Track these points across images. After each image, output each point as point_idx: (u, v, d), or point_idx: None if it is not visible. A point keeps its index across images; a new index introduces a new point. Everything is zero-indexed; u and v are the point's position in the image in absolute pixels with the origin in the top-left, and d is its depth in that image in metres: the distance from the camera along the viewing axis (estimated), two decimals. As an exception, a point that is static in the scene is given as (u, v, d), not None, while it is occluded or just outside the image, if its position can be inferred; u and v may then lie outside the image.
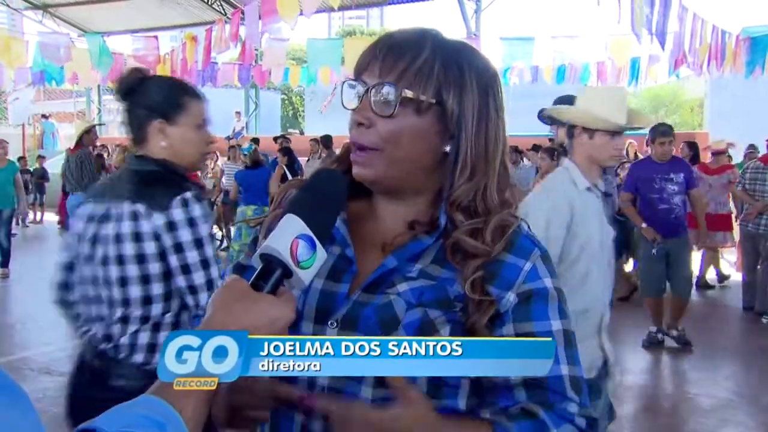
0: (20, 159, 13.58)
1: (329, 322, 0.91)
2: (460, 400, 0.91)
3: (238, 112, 17.90)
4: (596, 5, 7.61)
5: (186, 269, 1.63)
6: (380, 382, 0.87)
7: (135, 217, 1.62)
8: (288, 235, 0.79)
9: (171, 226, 1.61)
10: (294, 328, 0.91)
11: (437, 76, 0.90)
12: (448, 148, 0.94)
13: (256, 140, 9.45)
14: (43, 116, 20.40)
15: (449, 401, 0.90)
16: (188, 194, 1.64)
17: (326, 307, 0.92)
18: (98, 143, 12.24)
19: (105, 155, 10.69)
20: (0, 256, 7.96)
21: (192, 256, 1.63)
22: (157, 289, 1.64)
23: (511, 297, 0.91)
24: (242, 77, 13.88)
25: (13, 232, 11.53)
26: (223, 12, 14.20)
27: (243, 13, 8.71)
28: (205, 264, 1.64)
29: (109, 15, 16.01)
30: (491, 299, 0.89)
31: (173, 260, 1.62)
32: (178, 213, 1.62)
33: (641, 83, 12.94)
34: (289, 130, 24.69)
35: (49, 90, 24.79)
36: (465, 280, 0.89)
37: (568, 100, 4.02)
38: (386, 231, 0.97)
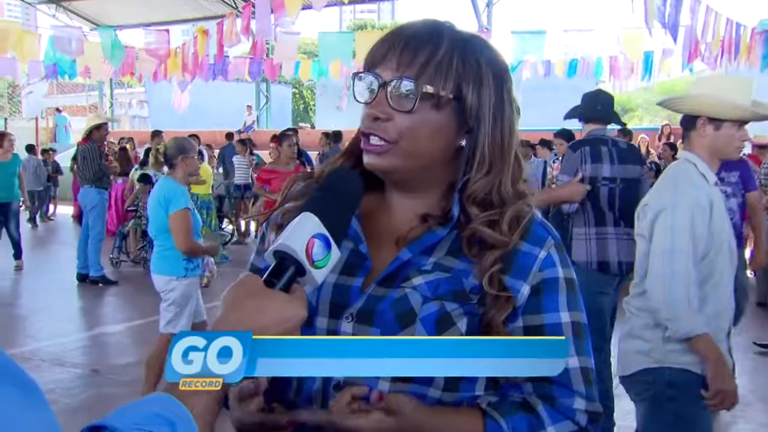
0: (45, 152, 13.67)
1: (344, 316, 0.90)
2: (477, 392, 0.91)
3: (249, 106, 17.93)
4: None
5: None
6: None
7: None
8: (304, 234, 0.78)
9: None
10: (308, 323, 0.91)
11: (456, 71, 0.89)
12: (463, 143, 0.93)
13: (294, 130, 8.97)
14: (57, 110, 20.52)
15: (466, 394, 0.90)
16: None
17: (341, 301, 0.92)
18: (114, 137, 12.36)
19: (128, 147, 10.72)
20: (12, 249, 8.03)
21: None
22: None
23: (525, 290, 0.91)
24: (253, 71, 13.88)
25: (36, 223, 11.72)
26: (234, 5, 14.21)
27: (254, 6, 8.70)
28: None
29: (121, 9, 16.07)
30: (508, 294, 0.89)
31: None
32: None
33: (654, 77, 12.81)
34: (300, 124, 24.73)
35: (61, 84, 24.95)
36: (483, 273, 0.89)
37: (595, 96, 3.81)
38: (399, 225, 0.96)
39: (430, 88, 0.88)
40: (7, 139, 8.05)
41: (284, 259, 0.78)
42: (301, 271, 0.78)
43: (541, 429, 0.87)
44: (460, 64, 0.89)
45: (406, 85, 0.87)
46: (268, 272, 0.79)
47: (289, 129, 7.83)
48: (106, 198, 7.46)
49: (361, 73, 0.92)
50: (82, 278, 7.24)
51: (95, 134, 7.23)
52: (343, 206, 0.87)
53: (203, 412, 0.68)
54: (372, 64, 0.92)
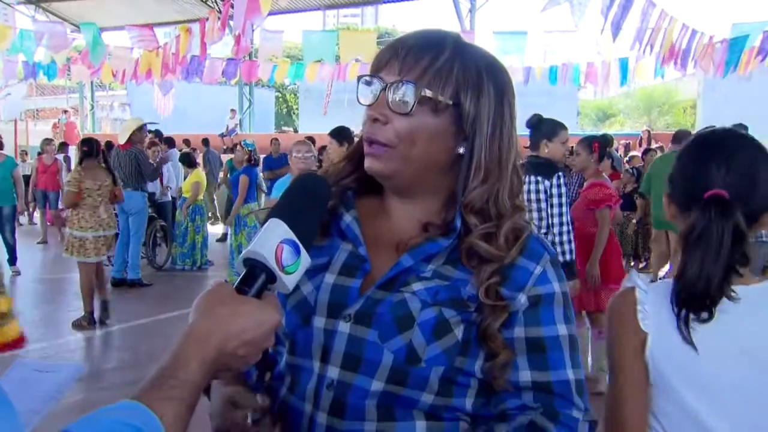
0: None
1: (343, 316, 0.91)
2: (468, 399, 0.92)
3: (233, 110, 17.82)
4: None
5: (556, 209, 3.53)
6: (392, 377, 0.88)
7: (537, 182, 3.53)
8: (273, 240, 0.79)
9: (553, 186, 3.53)
10: (306, 321, 0.93)
11: (456, 78, 0.91)
12: (462, 150, 0.94)
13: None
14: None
15: (457, 400, 0.91)
16: (560, 173, 3.58)
17: (339, 301, 0.93)
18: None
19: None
20: (7, 254, 7.82)
21: (558, 201, 3.53)
22: (548, 218, 3.54)
23: (522, 299, 0.92)
24: (228, 72, 13.67)
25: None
26: (216, 7, 14.14)
27: (233, 6, 8.62)
28: (561, 204, 3.53)
29: (101, 10, 15.94)
30: (504, 304, 0.90)
31: (553, 202, 3.51)
32: (555, 182, 3.53)
33: (631, 83, 12.93)
34: (283, 128, 24.66)
35: (41, 86, 24.62)
36: (480, 284, 0.90)
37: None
38: (398, 230, 0.98)
39: (428, 92, 0.90)
40: None
41: (254, 266, 0.79)
42: (271, 277, 0.79)
43: None
44: (460, 72, 0.92)
45: (405, 88, 0.90)
46: (239, 280, 0.79)
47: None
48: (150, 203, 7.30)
49: (367, 76, 0.95)
50: (118, 283, 7.11)
51: (136, 136, 7.04)
52: (311, 211, 0.88)
53: (174, 420, 0.67)
54: (377, 68, 0.95)
